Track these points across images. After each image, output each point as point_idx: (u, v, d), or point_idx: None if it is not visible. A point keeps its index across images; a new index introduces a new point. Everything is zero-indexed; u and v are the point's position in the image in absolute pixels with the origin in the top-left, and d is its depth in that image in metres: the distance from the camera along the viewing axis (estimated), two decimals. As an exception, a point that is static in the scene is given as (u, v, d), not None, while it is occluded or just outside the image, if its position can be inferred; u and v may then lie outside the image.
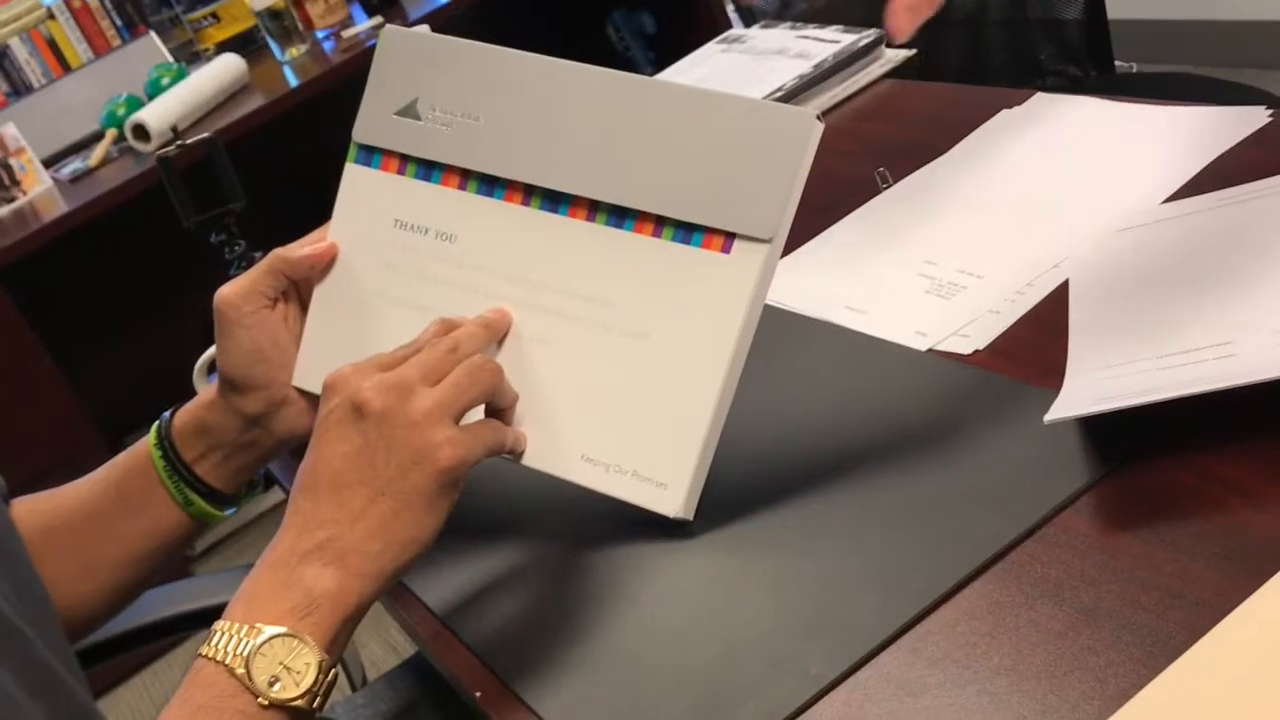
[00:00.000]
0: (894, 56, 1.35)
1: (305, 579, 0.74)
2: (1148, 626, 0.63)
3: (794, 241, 1.10)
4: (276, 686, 0.72)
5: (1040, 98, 1.15)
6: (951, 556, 0.71)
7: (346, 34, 2.82)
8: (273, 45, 2.86)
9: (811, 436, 0.87)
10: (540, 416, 0.86)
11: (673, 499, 0.82)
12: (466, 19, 3.25)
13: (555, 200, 0.87)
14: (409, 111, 0.93)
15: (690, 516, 0.82)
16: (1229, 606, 0.60)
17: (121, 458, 1.00)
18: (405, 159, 0.93)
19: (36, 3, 3.01)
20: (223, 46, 3.02)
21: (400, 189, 0.93)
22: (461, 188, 0.91)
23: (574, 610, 0.80)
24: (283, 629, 0.73)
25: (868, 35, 1.35)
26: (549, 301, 0.87)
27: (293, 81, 2.78)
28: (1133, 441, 0.73)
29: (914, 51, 1.34)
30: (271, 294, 0.94)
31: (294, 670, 0.72)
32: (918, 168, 1.14)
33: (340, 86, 2.66)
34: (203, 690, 0.73)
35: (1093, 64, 2.11)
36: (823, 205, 1.14)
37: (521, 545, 0.88)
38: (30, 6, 2.99)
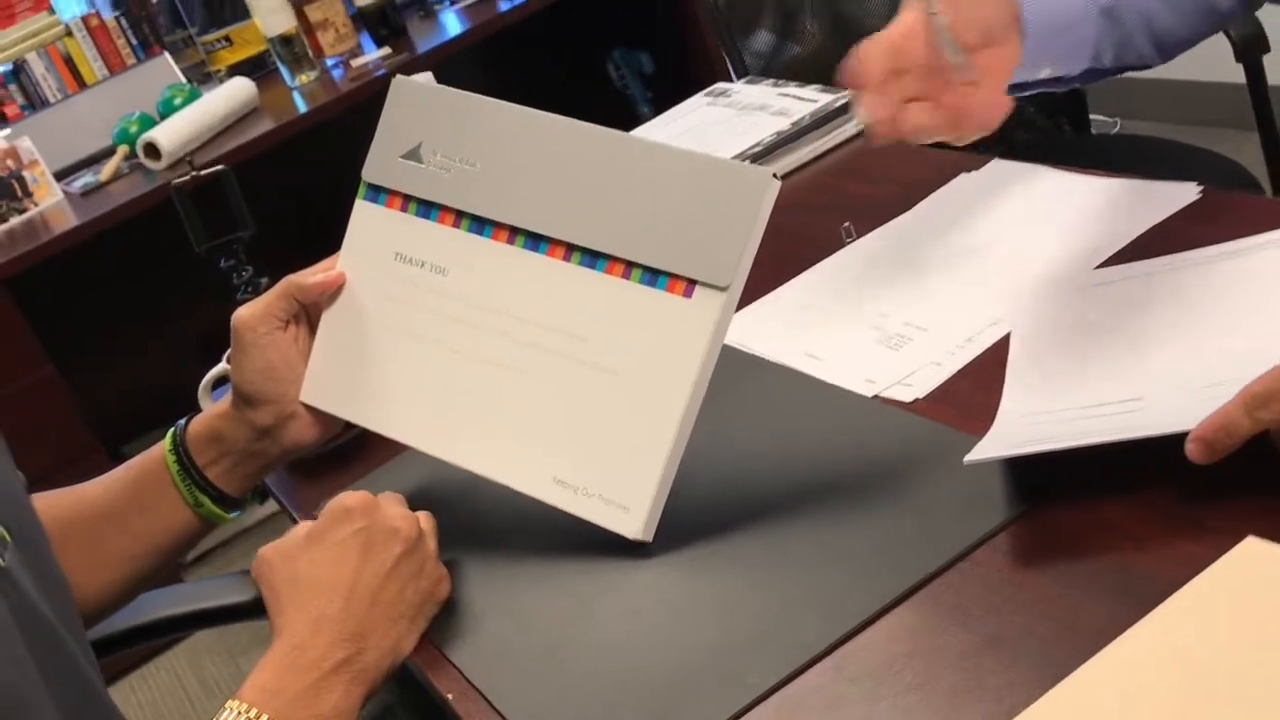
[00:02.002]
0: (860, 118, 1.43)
1: (334, 693, 0.84)
2: (1041, 653, 0.71)
3: (763, 288, 1.19)
4: None
5: (996, 164, 1.24)
6: (878, 585, 0.79)
7: (355, 63, 2.91)
8: (283, 71, 2.94)
9: (762, 470, 0.95)
10: (516, 439, 0.94)
11: (633, 522, 0.90)
12: (474, 53, 3.35)
13: (536, 241, 0.96)
14: (413, 155, 1.01)
15: (649, 539, 0.90)
16: (1115, 637, 0.68)
17: (137, 460, 1.09)
18: (408, 198, 1.02)
19: (55, 20, 3.10)
20: (235, 69, 3.11)
21: (402, 225, 1.02)
22: (455, 225, 0.99)
23: (540, 621, 0.88)
24: None
25: (844, 96, 1.43)
26: (527, 334, 0.95)
27: (301, 107, 2.87)
28: (1044, 485, 0.81)
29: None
30: (284, 317, 1.03)
31: None
32: (881, 224, 1.22)
33: (347, 114, 2.74)
34: None
35: (1068, 120, 2.20)
36: (792, 255, 1.22)
37: (494, 561, 0.96)
38: (49, 24, 3.08)
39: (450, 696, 0.85)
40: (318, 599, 0.87)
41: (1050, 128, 2.22)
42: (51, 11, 3.12)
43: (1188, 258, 0.99)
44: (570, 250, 0.94)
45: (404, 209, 1.02)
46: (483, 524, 0.99)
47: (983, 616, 0.75)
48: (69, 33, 3.10)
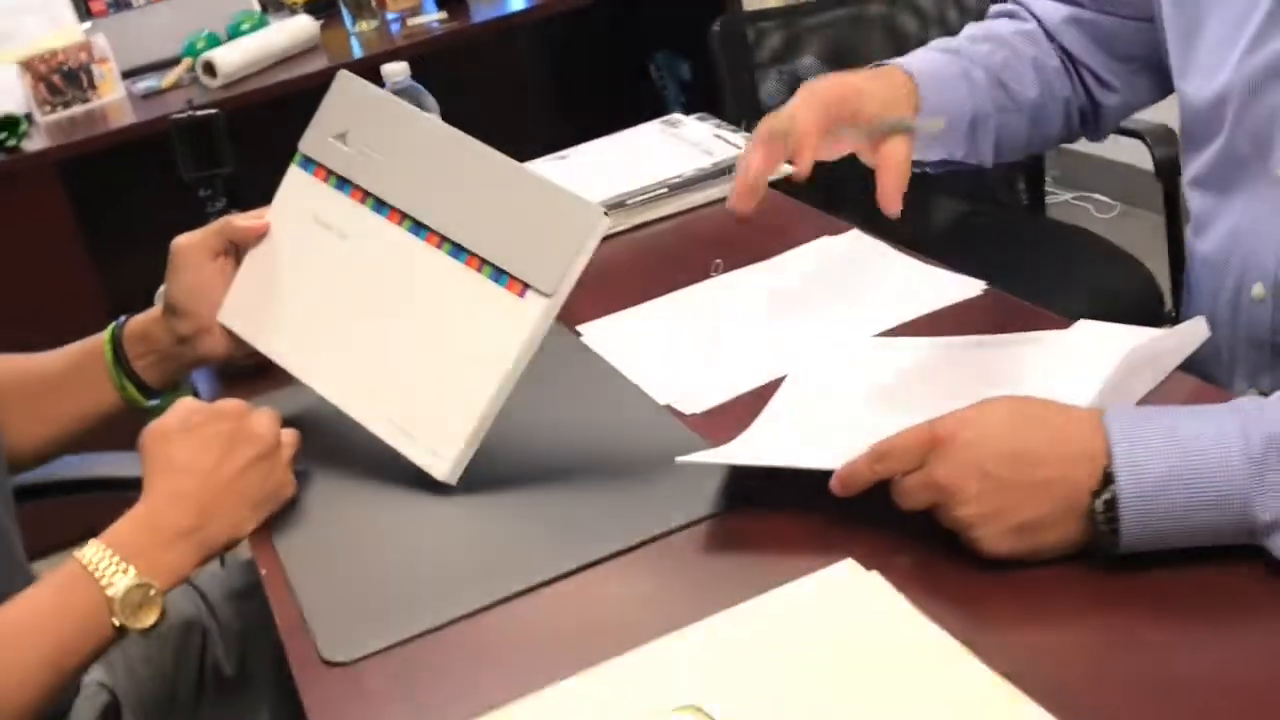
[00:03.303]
0: (782, 170, 1.64)
1: (175, 552, 1.05)
2: (669, 621, 0.92)
3: (632, 299, 1.40)
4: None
5: (853, 233, 1.44)
6: (592, 543, 1.02)
7: (412, 21, 3.14)
8: (346, 15, 3.18)
9: (549, 441, 1.18)
10: (368, 382, 1.17)
11: (442, 465, 1.12)
12: (526, 31, 3.57)
13: (419, 228, 1.18)
14: (341, 138, 1.24)
15: (453, 482, 1.13)
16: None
17: (84, 343, 1.33)
18: (330, 172, 1.24)
19: (153, -71, 3.35)
20: (309, 5, 3.35)
21: (322, 193, 1.24)
22: (362, 202, 1.22)
23: (352, 528, 1.12)
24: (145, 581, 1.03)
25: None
26: (395, 299, 1.18)
27: (356, 52, 3.10)
28: (742, 496, 1.03)
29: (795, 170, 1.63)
30: (216, 249, 1.27)
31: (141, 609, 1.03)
32: (746, 265, 1.43)
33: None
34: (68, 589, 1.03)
35: (1027, 191, 2.39)
36: (666, 276, 1.44)
37: (336, 478, 1.19)
38: (147, -68, 3.33)
39: (264, 573, 1.08)
40: (179, 477, 1.09)
41: (1009, 199, 2.41)
42: (152, -80, 3.37)
43: (944, 341, 1.19)
44: (443, 240, 1.17)
45: (326, 180, 1.24)
46: (337, 449, 1.21)
47: (648, 586, 0.97)
48: (164, -57, 3.35)
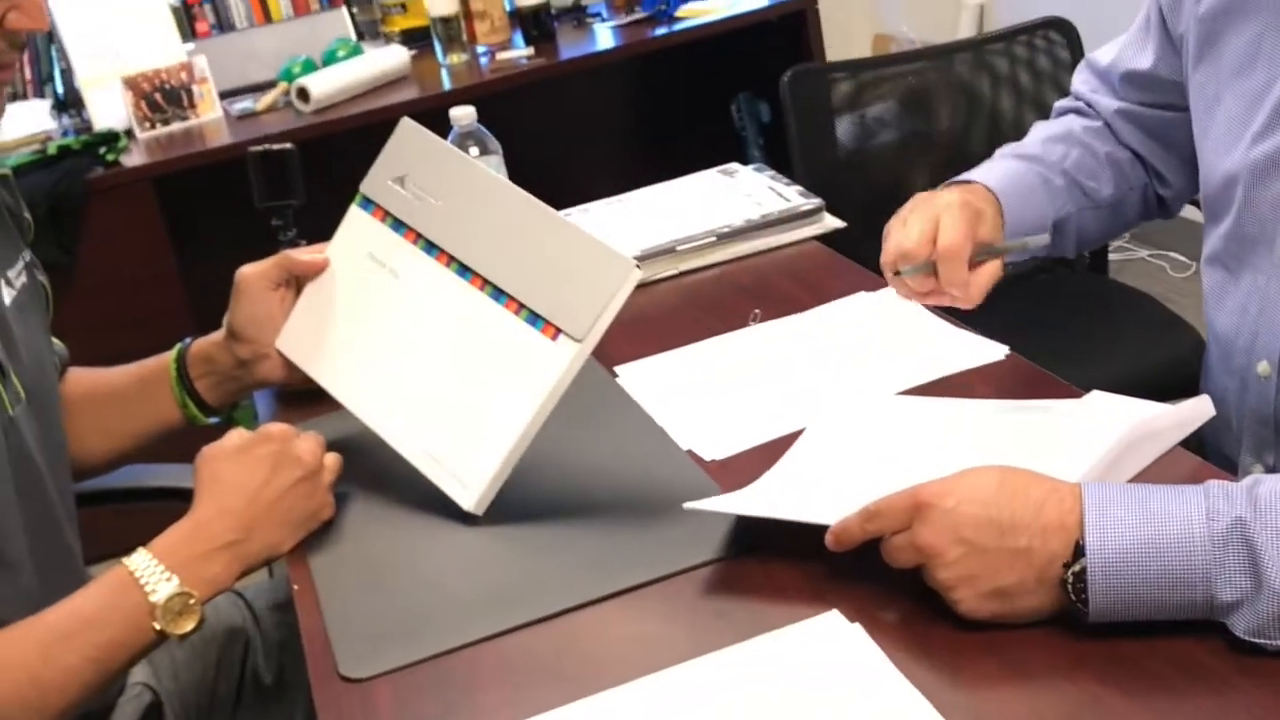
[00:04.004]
0: (829, 224, 1.70)
1: (218, 564, 1.13)
2: (663, 659, 0.97)
3: (666, 344, 1.46)
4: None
5: (887, 291, 1.48)
6: (600, 579, 1.08)
7: (501, 55, 3.23)
8: (437, 47, 3.28)
9: (574, 477, 1.25)
10: (409, 414, 1.24)
11: (470, 497, 1.19)
12: (613, 69, 3.64)
13: (465, 270, 1.25)
14: (399, 182, 1.31)
15: (479, 513, 1.19)
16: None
17: (150, 361, 1.42)
18: (387, 213, 1.31)
19: (259, -43, 3.48)
20: (405, 34, 3.46)
21: (378, 233, 1.32)
22: (414, 243, 1.29)
23: (384, 551, 1.19)
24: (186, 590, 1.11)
25: (811, 203, 1.69)
26: (439, 336, 1.24)
27: (446, 84, 3.20)
28: (744, 543, 1.08)
29: (843, 225, 1.69)
30: (277, 280, 1.35)
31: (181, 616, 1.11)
32: (783, 315, 1.48)
33: (482, 98, 3.06)
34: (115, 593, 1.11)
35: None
36: (704, 323, 1.49)
37: (373, 502, 1.26)
38: (253, -40, 3.47)
39: (296, 587, 1.15)
40: (227, 494, 1.17)
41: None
42: (258, -52, 3.51)
43: (964, 404, 1.24)
44: (485, 283, 1.23)
45: (383, 221, 1.32)
46: (378, 475, 1.27)
47: (652, 622, 1.02)
48: (268, -30, 3.48)
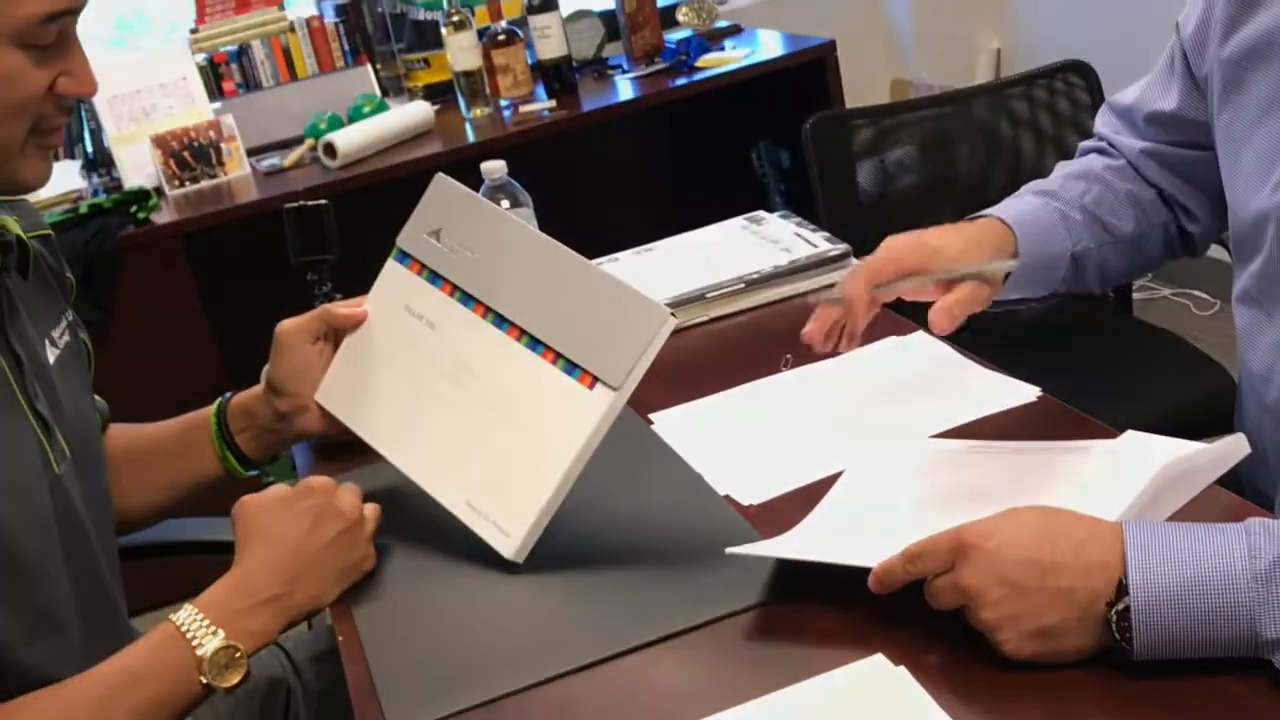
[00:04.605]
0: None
1: (262, 618, 1.15)
2: (708, 706, 0.98)
3: (699, 390, 1.48)
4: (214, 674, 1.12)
5: (920, 335, 1.50)
6: (642, 626, 1.09)
7: (524, 108, 3.27)
8: (461, 101, 3.32)
9: (614, 524, 1.26)
10: (448, 465, 1.26)
11: (511, 545, 1.20)
12: (634, 119, 3.67)
13: (501, 320, 1.26)
14: (435, 236, 1.33)
15: (520, 560, 1.20)
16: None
17: (191, 415, 1.44)
18: (424, 266, 1.33)
19: (282, 16, 3.53)
20: (428, 89, 3.50)
21: (415, 286, 1.33)
22: (451, 295, 1.31)
23: (426, 602, 1.20)
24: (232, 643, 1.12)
25: (839, 248, 1.71)
26: (477, 387, 1.26)
27: (470, 137, 3.24)
28: (786, 587, 1.09)
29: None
30: (316, 334, 1.36)
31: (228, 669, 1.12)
32: (815, 361, 1.49)
33: (507, 150, 3.09)
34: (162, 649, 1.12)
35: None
36: (737, 369, 1.51)
37: (414, 552, 1.27)
38: (276, 18, 3.52)
39: (340, 638, 1.16)
40: (270, 547, 1.18)
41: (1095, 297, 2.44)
42: (282, 8, 3.56)
43: (998, 445, 1.25)
44: (522, 333, 1.25)
45: (419, 274, 1.34)
46: (417, 524, 1.29)
47: (699, 666, 1.03)
48: (292, 29, 3.53)
